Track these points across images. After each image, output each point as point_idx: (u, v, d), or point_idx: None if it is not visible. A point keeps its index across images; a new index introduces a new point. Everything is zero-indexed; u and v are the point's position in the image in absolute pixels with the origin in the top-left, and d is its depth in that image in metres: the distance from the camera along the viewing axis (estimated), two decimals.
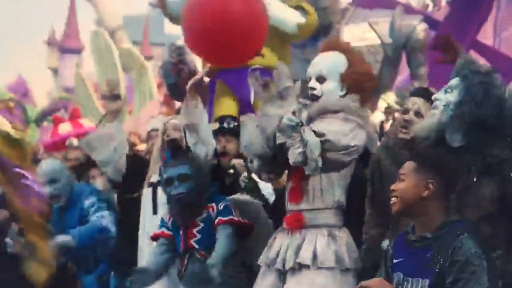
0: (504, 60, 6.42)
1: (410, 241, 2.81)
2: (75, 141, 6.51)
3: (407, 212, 2.84)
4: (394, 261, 2.86)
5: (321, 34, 5.32)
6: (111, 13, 16.79)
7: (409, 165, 2.87)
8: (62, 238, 4.67)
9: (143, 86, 8.49)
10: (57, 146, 6.98)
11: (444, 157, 2.97)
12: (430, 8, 10.05)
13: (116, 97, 7.87)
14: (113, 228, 4.75)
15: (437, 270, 2.68)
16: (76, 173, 5.20)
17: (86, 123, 7.37)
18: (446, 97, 3.27)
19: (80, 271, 4.95)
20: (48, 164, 4.99)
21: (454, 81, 3.29)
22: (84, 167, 5.39)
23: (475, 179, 3.16)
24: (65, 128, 7.23)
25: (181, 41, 5.69)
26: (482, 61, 4.47)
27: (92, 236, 4.72)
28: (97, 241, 4.74)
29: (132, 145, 5.61)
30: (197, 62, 6.03)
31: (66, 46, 17.73)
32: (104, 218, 4.76)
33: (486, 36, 8.17)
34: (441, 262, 2.68)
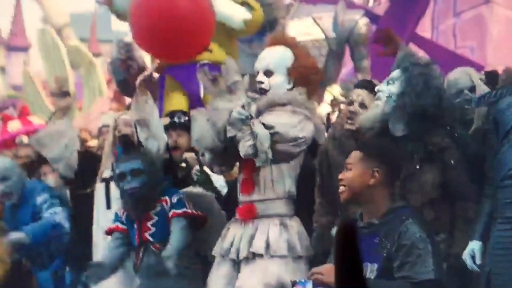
0: (442, 52, 6.57)
1: (358, 228, 2.85)
2: (25, 139, 6.38)
3: (355, 200, 2.88)
4: None
5: (267, 29, 5.32)
6: (58, 11, 16.49)
7: (355, 155, 2.91)
8: (15, 235, 4.58)
9: (92, 82, 8.36)
10: (7, 144, 6.82)
11: (388, 146, 3.02)
12: (371, 3, 10.18)
13: (65, 94, 7.74)
14: (66, 224, 4.69)
15: (384, 254, 2.73)
16: (27, 170, 5.11)
17: (36, 120, 7.23)
18: (389, 88, 3.33)
19: (35, 267, 4.87)
20: None
21: (396, 73, 3.34)
22: (35, 164, 5.29)
23: (418, 167, 3.22)
24: (14, 125, 7.07)
25: (129, 38, 5.62)
26: (421, 53, 4.55)
27: (46, 232, 4.64)
28: (51, 237, 4.67)
29: (83, 141, 5.53)
30: (146, 58, 5.97)
31: (12, 44, 17.35)
32: (57, 214, 4.69)
33: (424, 29, 8.33)
34: (388, 246, 2.73)
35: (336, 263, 0.50)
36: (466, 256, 3.07)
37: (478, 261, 3.05)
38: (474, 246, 3.07)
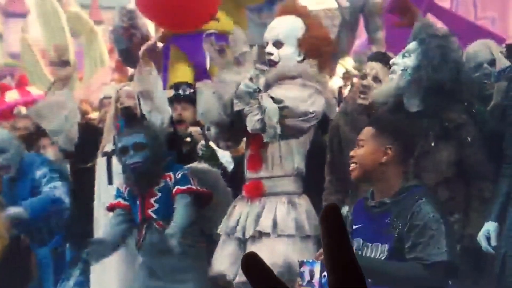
0: (462, 23, 6.51)
1: (369, 206, 2.88)
2: (23, 110, 6.40)
3: (366, 178, 2.90)
4: (354, 227, 2.92)
5: None
6: None
7: (367, 131, 2.92)
8: (13, 210, 4.63)
9: (93, 51, 8.36)
10: (4, 115, 6.85)
11: (402, 122, 3.04)
12: None
13: (65, 63, 7.74)
14: (66, 199, 4.73)
15: (396, 235, 2.76)
16: (25, 142, 5.14)
17: (34, 90, 7.24)
18: (404, 61, 3.32)
19: (34, 243, 4.93)
20: None
21: (412, 45, 3.34)
22: (34, 136, 5.32)
23: (433, 144, 3.23)
24: (12, 96, 7.10)
25: (132, 5, 5.61)
26: (439, 24, 4.53)
27: (45, 208, 4.69)
28: (51, 212, 4.72)
29: (84, 113, 5.55)
30: (149, 26, 5.96)
31: (10, 9, 17.31)
32: (57, 189, 4.72)
33: None
34: (400, 227, 2.75)
35: (325, 249, 0.51)
36: (481, 237, 3.10)
37: (493, 243, 3.08)
38: (490, 227, 3.09)
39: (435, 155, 3.22)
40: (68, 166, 4.95)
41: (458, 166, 3.23)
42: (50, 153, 5.13)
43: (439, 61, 3.24)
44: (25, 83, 7.36)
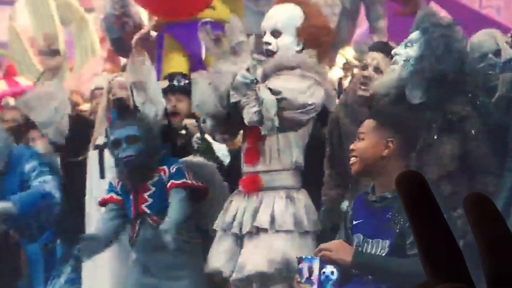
0: (466, 11, 6.53)
1: (370, 201, 2.89)
2: (11, 101, 6.40)
3: (367, 172, 2.92)
4: (354, 222, 2.94)
5: None
6: None
7: (368, 124, 2.94)
8: (2, 205, 4.63)
9: (84, 40, 8.35)
10: None
11: (404, 115, 3.05)
12: None
13: (54, 52, 7.73)
14: (57, 194, 4.73)
15: (397, 230, 2.78)
16: (14, 135, 5.14)
17: (23, 81, 7.24)
18: (406, 51, 3.33)
19: (23, 239, 4.93)
20: None
21: (414, 35, 3.35)
22: (22, 128, 5.32)
23: (435, 137, 3.25)
24: None
25: None
26: (443, 13, 4.55)
27: (35, 202, 4.69)
28: (40, 207, 4.72)
29: (74, 105, 5.54)
30: (142, 14, 5.96)
31: None
32: (47, 183, 4.73)
33: None
34: (402, 222, 2.77)
35: (411, 216, 0.44)
36: None
37: None
38: None
39: (438, 149, 3.24)
40: (58, 160, 4.95)
41: (461, 160, 3.25)
42: (40, 146, 5.13)
43: (442, 51, 3.25)
44: (13, 73, 7.36)
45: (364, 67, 3.58)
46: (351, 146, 2.95)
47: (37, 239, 4.87)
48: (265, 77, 3.47)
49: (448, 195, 3.15)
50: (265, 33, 3.57)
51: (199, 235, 3.88)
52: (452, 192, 3.20)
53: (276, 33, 3.55)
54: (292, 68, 3.46)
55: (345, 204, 3.43)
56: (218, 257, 3.50)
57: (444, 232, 0.45)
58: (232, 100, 3.40)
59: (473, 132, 3.24)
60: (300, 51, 3.53)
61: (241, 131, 3.65)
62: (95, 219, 4.32)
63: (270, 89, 3.36)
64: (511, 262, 0.44)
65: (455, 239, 0.46)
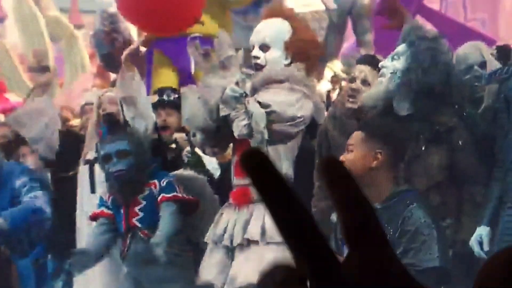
0: (451, 24, 6.58)
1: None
2: (1, 117, 6.39)
3: None
4: None
5: (263, 0, 5.34)
6: None
7: (357, 135, 2.96)
8: None
9: (74, 57, 8.35)
10: None
11: (392, 126, 3.07)
12: None
13: (44, 69, 7.73)
14: (48, 209, 4.72)
15: None
16: (4, 151, 5.13)
17: (13, 97, 7.22)
18: (393, 64, 3.36)
19: (15, 254, 4.91)
20: None
21: (401, 48, 3.38)
22: (13, 144, 5.30)
23: (423, 148, 3.27)
24: None
25: (113, 8, 5.62)
26: (429, 26, 4.59)
27: (26, 218, 4.68)
28: (31, 222, 4.71)
29: (64, 121, 5.55)
30: (132, 30, 5.98)
31: None
32: (37, 199, 4.72)
33: (432, 0, 8.34)
34: (391, 232, 2.79)
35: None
36: (473, 242, 3.13)
37: (486, 248, 3.11)
38: (482, 231, 3.13)
39: (426, 159, 3.26)
40: (49, 175, 4.94)
41: (449, 170, 3.27)
42: (30, 161, 5.12)
43: (429, 64, 3.28)
44: (3, 90, 7.34)
45: (352, 79, 3.61)
46: (340, 158, 2.96)
47: (28, 254, 4.85)
48: (254, 90, 3.49)
49: (437, 205, 3.18)
50: (253, 47, 3.59)
51: (190, 248, 3.88)
52: (440, 202, 3.22)
53: (264, 47, 3.57)
54: (280, 81, 3.48)
55: (335, 216, 3.44)
56: (210, 270, 3.50)
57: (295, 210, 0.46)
58: (222, 113, 3.41)
59: (460, 142, 3.27)
60: (288, 65, 3.55)
61: (231, 144, 3.66)
62: (86, 233, 4.31)
63: (259, 103, 3.38)
64: (356, 217, 0.46)
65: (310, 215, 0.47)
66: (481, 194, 3.22)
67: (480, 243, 3.13)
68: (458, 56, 3.65)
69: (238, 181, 3.52)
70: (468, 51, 3.71)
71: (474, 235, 3.14)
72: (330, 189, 0.47)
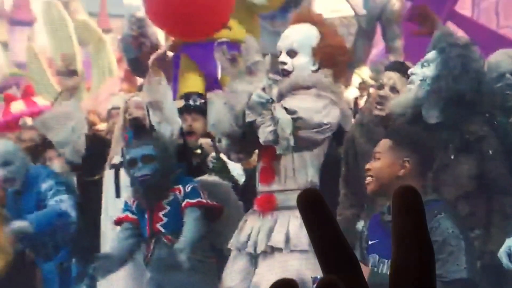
0: (483, 31, 6.53)
1: (385, 221, 2.88)
2: (29, 121, 6.46)
3: (383, 192, 2.90)
4: (370, 242, 2.93)
5: (291, 5, 5.34)
6: None
7: (384, 143, 2.93)
8: (18, 224, 4.66)
9: (101, 61, 8.43)
10: (10, 126, 6.91)
11: (421, 135, 3.04)
12: None
13: (72, 72, 7.80)
14: (73, 213, 4.76)
15: None
16: (31, 154, 5.18)
17: (41, 101, 7.30)
18: (423, 71, 3.33)
19: (39, 258, 4.96)
20: (1, 145, 4.96)
21: (431, 55, 3.35)
22: (40, 148, 5.36)
23: (452, 157, 3.23)
24: (18, 106, 7.16)
25: (141, 13, 5.66)
26: (460, 33, 4.55)
27: (51, 221, 4.72)
28: (56, 226, 4.75)
29: (91, 125, 5.59)
30: (159, 35, 6.02)
31: (16, 17, 17.47)
32: (63, 202, 4.75)
33: (464, 6, 8.28)
34: None
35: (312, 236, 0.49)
36: (502, 254, 3.09)
37: None
38: (511, 243, 3.08)
39: (455, 169, 3.22)
40: (74, 179, 4.98)
41: (479, 180, 3.23)
42: (56, 165, 5.17)
43: (459, 71, 3.25)
44: (31, 93, 7.42)
45: (380, 86, 3.58)
46: (367, 166, 2.94)
47: (52, 258, 4.88)
48: (281, 96, 3.48)
49: (465, 216, 3.13)
50: (281, 53, 3.58)
51: (214, 254, 3.88)
52: (469, 213, 3.18)
53: (292, 53, 3.56)
54: (307, 87, 3.46)
55: (360, 224, 3.41)
56: (233, 277, 3.49)
57: (335, 240, 0.49)
58: (248, 119, 3.41)
59: (490, 152, 3.23)
60: (315, 71, 3.54)
61: (256, 151, 3.65)
62: (110, 238, 4.33)
63: (286, 109, 3.37)
64: (409, 257, 0.47)
65: (348, 246, 0.49)
66: (510, 205, 3.17)
67: (509, 255, 3.08)
68: (489, 63, 3.60)
69: (263, 187, 3.51)
70: (500, 59, 3.66)
71: (503, 246, 3.09)
72: (393, 221, 0.49)
